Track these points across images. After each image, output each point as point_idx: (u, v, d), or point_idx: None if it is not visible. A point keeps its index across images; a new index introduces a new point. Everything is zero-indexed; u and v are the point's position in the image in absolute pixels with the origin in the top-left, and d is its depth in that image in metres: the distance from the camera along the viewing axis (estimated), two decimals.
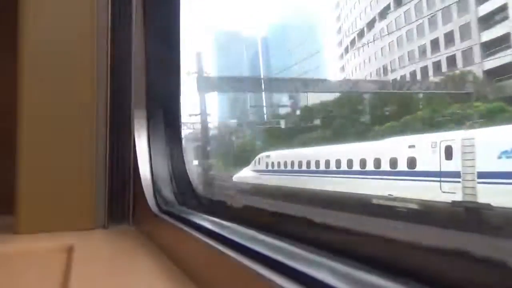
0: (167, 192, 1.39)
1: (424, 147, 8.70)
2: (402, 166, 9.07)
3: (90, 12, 1.51)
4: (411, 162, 8.88)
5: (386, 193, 8.81)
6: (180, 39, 1.61)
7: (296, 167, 13.38)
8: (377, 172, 9.67)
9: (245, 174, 16.15)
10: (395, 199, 8.50)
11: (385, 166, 9.49)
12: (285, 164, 14.07)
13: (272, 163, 14.88)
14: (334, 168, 11.36)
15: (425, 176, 8.39)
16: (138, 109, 1.57)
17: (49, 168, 1.44)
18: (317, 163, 12.24)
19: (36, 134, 1.43)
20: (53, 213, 1.42)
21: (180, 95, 1.63)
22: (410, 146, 9.02)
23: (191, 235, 0.86)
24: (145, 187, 1.39)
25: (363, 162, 10.26)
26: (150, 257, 1.05)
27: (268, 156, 15.39)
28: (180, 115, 1.63)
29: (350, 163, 10.75)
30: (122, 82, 1.56)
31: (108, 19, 1.55)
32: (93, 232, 1.44)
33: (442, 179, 8.03)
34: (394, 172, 9.20)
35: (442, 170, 8.11)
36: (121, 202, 1.53)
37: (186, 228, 0.92)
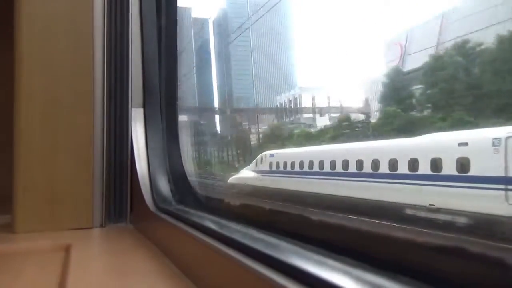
0: (165, 190, 1.39)
1: (481, 145, 6.70)
2: (449, 169, 7.09)
3: (86, 11, 1.51)
4: (463, 164, 6.90)
5: (425, 202, 6.97)
6: (177, 37, 1.61)
7: (306, 168, 11.28)
8: (413, 176, 7.74)
9: (245, 175, 14.11)
10: (438, 210, 6.73)
11: (425, 168, 7.56)
12: (293, 164, 11.91)
13: (277, 163, 12.75)
14: (354, 170, 9.33)
15: (482, 183, 6.53)
16: (135, 108, 1.57)
17: (46, 167, 1.43)
18: (332, 164, 10.20)
19: (33, 133, 1.43)
20: (50, 212, 1.42)
21: (177, 94, 1.63)
22: (461, 144, 7.00)
23: (189, 233, 0.86)
24: (142, 186, 1.39)
25: (392, 164, 8.31)
26: (148, 255, 1.05)
27: (272, 156, 13.40)
28: (178, 113, 1.62)
29: (375, 164, 8.76)
30: (119, 81, 1.56)
31: (104, 17, 1.55)
32: (90, 231, 1.43)
33: (508, 187, 6.16)
34: (437, 176, 7.26)
35: (508, 175, 6.25)
36: (118, 200, 1.53)
37: (183, 226, 0.92)
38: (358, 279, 0.45)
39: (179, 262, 0.91)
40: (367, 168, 8.85)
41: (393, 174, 8.16)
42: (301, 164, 11.46)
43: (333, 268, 0.49)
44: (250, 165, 14.39)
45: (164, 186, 1.40)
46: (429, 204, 6.81)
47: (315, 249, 0.57)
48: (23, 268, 1.04)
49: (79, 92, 1.49)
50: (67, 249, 1.15)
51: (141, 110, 1.57)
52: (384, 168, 8.44)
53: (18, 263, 1.08)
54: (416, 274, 0.44)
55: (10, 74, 1.43)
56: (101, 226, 1.48)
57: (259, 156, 13.78)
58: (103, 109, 1.53)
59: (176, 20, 1.61)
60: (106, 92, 1.53)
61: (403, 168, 7.97)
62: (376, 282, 0.44)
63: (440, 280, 0.43)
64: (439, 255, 0.47)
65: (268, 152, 13.77)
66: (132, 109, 1.56)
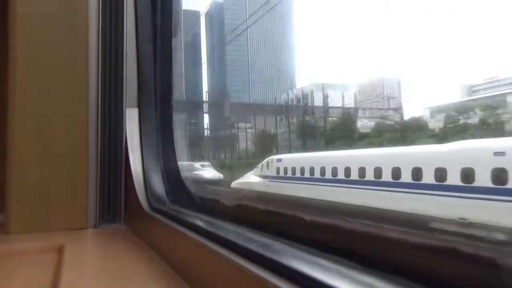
0: (159, 190, 1.38)
1: None
2: (483, 180, 6.32)
3: (81, 11, 1.50)
4: (499, 175, 6.16)
5: (454, 215, 6.24)
6: (172, 37, 1.60)
7: (317, 175, 10.41)
8: (440, 187, 6.94)
9: (249, 180, 13.02)
10: (470, 224, 5.88)
11: (454, 179, 6.76)
12: (302, 170, 11.06)
13: (285, 168, 11.79)
14: (372, 178, 8.51)
15: None
16: (130, 108, 1.56)
17: (40, 167, 1.42)
18: (347, 171, 9.33)
19: (27, 133, 1.42)
20: (44, 212, 1.41)
21: (172, 94, 1.62)
22: (497, 153, 6.30)
23: (183, 234, 0.85)
24: (137, 186, 1.38)
25: (416, 172, 7.45)
26: (142, 256, 1.04)
27: (279, 160, 12.45)
28: (172, 114, 1.62)
29: (396, 172, 7.90)
30: (114, 81, 1.55)
31: (99, 18, 1.54)
32: (84, 232, 1.43)
33: None
34: (468, 188, 6.49)
35: None
36: (112, 201, 1.52)
37: (178, 227, 0.92)
38: (351, 279, 0.45)
39: (173, 262, 0.91)
40: (387, 176, 8.09)
41: (417, 184, 7.36)
42: (312, 171, 10.64)
43: (326, 269, 0.49)
44: (253, 170, 13.53)
45: (158, 186, 1.40)
46: (459, 218, 6.08)
47: (309, 249, 0.57)
48: (16, 269, 1.04)
49: (73, 93, 1.48)
50: (60, 250, 1.14)
51: (135, 110, 1.56)
52: (406, 177, 7.63)
53: (11, 264, 1.07)
54: (409, 274, 0.44)
55: (4, 74, 1.42)
56: (95, 226, 1.47)
57: (264, 160, 12.93)
58: (98, 109, 1.52)
59: (171, 20, 1.61)
60: (100, 92, 1.53)
61: (428, 178, 7.17)
62: (369, 282, 0.44)
63: (433, 280, 0.43)
64: (432, 255, 0.47)
65: (274, 157, 12.94)
66: (127, 109, 1.55)
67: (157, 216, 1.13)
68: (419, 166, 7.40)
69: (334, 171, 9.77)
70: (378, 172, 8.42)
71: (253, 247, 0.61)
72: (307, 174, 10.80)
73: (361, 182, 8.80)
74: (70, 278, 0.88)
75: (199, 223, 0.89)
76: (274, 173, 12.12)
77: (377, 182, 8.32)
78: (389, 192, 7.85)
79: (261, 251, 0.58)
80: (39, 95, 1.44)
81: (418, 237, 0.49)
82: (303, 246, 0.59)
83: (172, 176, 1.45)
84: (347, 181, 9.22)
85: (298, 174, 11.19)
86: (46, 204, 1.42)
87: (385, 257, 0.49)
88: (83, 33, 1.50)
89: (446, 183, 6.86)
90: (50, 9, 1.48)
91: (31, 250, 1.21)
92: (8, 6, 1.43)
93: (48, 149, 1.44)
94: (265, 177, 12.42)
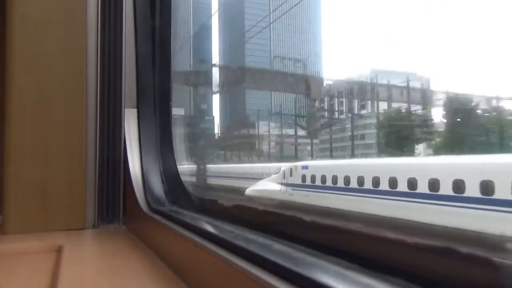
0: (158, 191, 1.38)
1: None
2: None
3: (80, 11, 1.50)
4: None
5: None
6: (170, 38, 1.60)
7: (354, 185, 9.16)
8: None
9: (266, 188, 11.93)
10: None
11: None
12: (334, 179, 9.89)
13: (313, 176, 10.64)
14: (426, 191, 7.24)
15: None
16: (129, 109, 1.56)
17: (38, 167, 1.42)
18: (392, 182, 8.12)
19: (25, 133, 1.42)
20: (41, 212, 1.41)
21: (171, 95, 1.62)
22: None
23: (182, 234, 0.85)
24: (135, 186, 1.38)
25: (485, 185, 6.31)
26: (141, 257, 1.04)
27: (305, 167, 11.30)
28: (171, 115, 1.62)
29: (457, 185, 6.73)
30: (113, 81, 1.55)
31: (98, 18, 1.54)
32: (83, 232, 1.42)
33: None
34: None
35: None
36: (111, 201, 1.52)
37: (176, 228, 0.92)
38: (349, 280, 0.46)
39: (172, 263, 0.91)
40: (446, 189, 6.85)
41: (487, 199, 6.21)
42: (347, 180, 9.44)
43: (325, 270, 0.49)
44: (273, 176, 12.21)
45: (157, 187, 1.40)
46: None
47: (308, 250, 0.57)
48: (13, 269, 1.03)
49: (72, 93, 1.48)
50: (59, 250, 1.14)
51: (134, 111, 1.56)
52: (472, 191, 6.45)
53: (9, 265, 1.07)
54: (407, 275, 0.45)
55: (2, 74, 1.42)
56: (94, 227, 1.47)
57: (286, 167, 11.77)
58: (96, 110, 1.52)
59: (170, 21, 1.61)
60: (99, 93, 1.52)
61: (502, 192, 6.01)
62: (368, 283, 0.44)
63: (430, 281, 0.44)
64: (430, 255, 0.47)
65: (299, 164, 11.78)
66: (126, 109, 1.55)
67: (156, 216, 1.13)
68: (490, 179, 6.28)
69: (375, 181, 8.47)
70: (433, 184, 7.09)
71: (252, 248, 0.61)
72: (340, 184, 9.55)
73: (411, 194, 7.50)
74: (69, 279, 0.88)
75: (198, 224, 0.89)
76: (299, 181, 10.98)
77: (433, 196, 7.06)
78: (449, 208, 6.72)
79: (260, 252, 0.58)
80: (37, 95, 1.44)
81: (416, 238, 0.49)
82: (302, 247, 0.59)
83: (171, 177, 1.45)
84: (394, 193, 7.98)
85: (329, 183, 10.00)
86: (44, 205, 1.41)
87: (384, 258, 0.49)
88: (82, 33, 1.50)
89: None
90: (49, 10, 1.48)
91: (29, 250, 1.21)
92: (6, 5, 1.43)
93: (46, 149, 1.44)
94: (288, 185, 11.30)
